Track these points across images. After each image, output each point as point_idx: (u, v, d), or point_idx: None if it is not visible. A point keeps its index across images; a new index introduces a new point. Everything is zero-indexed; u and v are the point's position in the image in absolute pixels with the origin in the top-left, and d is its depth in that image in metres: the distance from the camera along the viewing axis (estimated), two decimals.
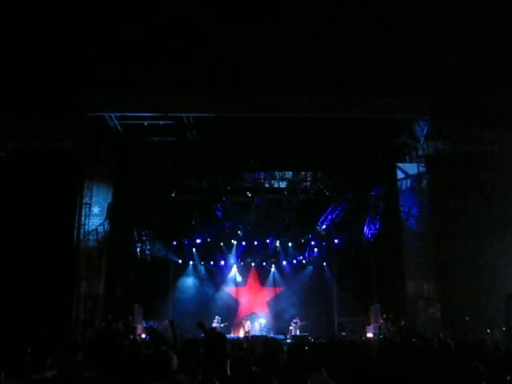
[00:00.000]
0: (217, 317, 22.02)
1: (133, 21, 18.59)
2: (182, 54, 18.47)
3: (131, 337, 17.74)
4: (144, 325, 21.43)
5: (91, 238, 19.71)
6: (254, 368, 3.80)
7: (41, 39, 17.72)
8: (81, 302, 18.85)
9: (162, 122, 19.14)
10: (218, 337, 4.40)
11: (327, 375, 3.86)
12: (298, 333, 21.22)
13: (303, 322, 21.94)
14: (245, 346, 6.67)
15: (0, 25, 17.11)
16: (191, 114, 18.95)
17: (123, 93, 19.03)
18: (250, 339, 17.32)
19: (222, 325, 21.50)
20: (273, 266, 25.27)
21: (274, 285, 25.37)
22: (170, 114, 18.89)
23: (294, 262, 25.08)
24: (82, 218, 19.75)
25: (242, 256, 25.14)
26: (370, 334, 20.51)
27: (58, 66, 18.06)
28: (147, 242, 23.46)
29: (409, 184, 20.25)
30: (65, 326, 17.01)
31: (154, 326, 21.31)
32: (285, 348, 4.20)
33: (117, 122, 19.31)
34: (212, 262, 25.15)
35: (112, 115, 19.04)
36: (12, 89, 18.01)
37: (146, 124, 19.20)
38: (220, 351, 3.97)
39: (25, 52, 17.78)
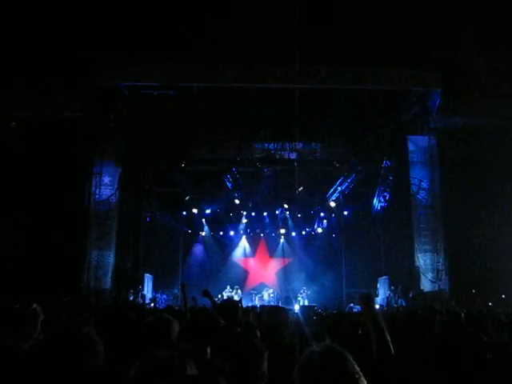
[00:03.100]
0: (228, 287, 22.23)
1: None
2: (193, 23, 18.30)
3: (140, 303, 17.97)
4: (154, 294, 21.66)
5: (102, 207, 19.83)
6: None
7: (51, 8, 17.58)
8: (91, 271, 19.06)
9: (171, 92, 19.09)
10: (230, 305, 4.45)
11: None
12: (305, 303, 21.40)
13: (310, 292, 22.12)
14: (251, 314, 6.68)
15: None
16: (201, 84, 18.88)
17: (133, 63, 18.95)
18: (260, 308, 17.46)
19: (232, 294, 21.69)
20: (282, 237, 25.36)
21: (283, 255, 25.52)
22: (180, 84, 18.84)
23: (303, 233, 25.16)
24: (93, 188, 19.84)
25: (251, 227, 25.23)
26: (377, 306, 20.61)
27: (68, 35, 17.95)
28: (157, 213, 23.56)
29: (420, 156, 20.15)
30: (74, 293, 17.21)
31: (163, 296, 21.58)
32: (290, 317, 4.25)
33: (127, 92, 19.29)
34: (221, 233, 25.28)
35: (122, 85, 19.02)
36: (22, 59, 17.95)
37: (156, 94, 19.17)
38: (231, 318, 4.02)
39: (35, 21, 17.67)
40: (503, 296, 15.21)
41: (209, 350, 3.30)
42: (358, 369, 1.90)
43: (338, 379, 1.85)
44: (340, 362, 1.89)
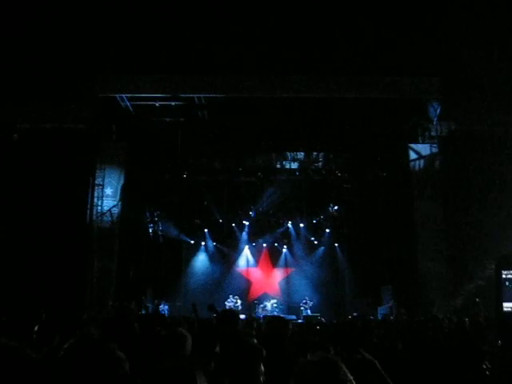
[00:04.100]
0: (230, 296, 22.19)
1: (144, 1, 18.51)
2: (193, 34, 18.39)
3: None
4: (156, 304, 21.62)
5: (105, 219, 19.87)
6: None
7: (52, 20, 17.69)
8: (94, 282, 19.06)
9: (173, 103, 19.18)
10: (230, 314, 4.47)
11: (335, 353, 3.89)
12: (309, 313, 21.36)
13: (312, 302, 22.09)
14: (254, 324, 6.69)
15: (11, 7, 17.11)
16: (202, 95, 18.96)
17: (134, 74, 19.03)
18: (262, 318, 17.46)
19: (235, 304, 21.67)
20: (284, 246, 25.33)
21: (286, 265, 25.47)
22: (181, 95, 18.93)
23: (306, 242, 25.11)
24: (95, 199, 19.90)
25: (253, 237, 25.20)
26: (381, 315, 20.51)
27: (69, 48, 18.05)
28: (159, 223, 23.55)
29: (421, 165, 20.15)
30: (78, 305, 17.21)
31: (166, 306, 21.54)
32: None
33: (128, 103, 19.39)
34: (224, 243, 25.26)
35: (124, 96, 19.10)
36: (23, 71, 18.05)
37: (157, 105, 19.24)
38: (231, 327, 4.03)
39: (36, 33, 17.77)
40: None
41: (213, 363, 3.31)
42: (350, 377, 1.91)
43: None
44: (332, 370, 1.91)
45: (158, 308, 20.82)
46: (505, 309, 2.80)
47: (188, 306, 22.24)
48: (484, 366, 3.62)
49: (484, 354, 3.74)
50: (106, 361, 2.24)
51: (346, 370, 1.93)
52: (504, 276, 2.85)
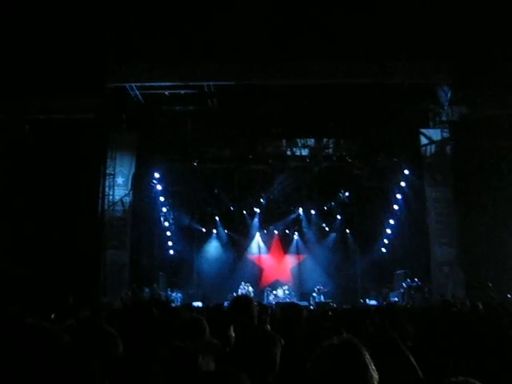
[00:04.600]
0: (242, 283, 22.25)
1: None
2: (202, 22, 18.34)
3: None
4: (169, 292, 21.73)
5: (117, 208, 19.96)
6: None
7: (60, 11, 17.69)
8: (107, 271, 19.19)
9: (182, 92, 19.18)
10: (244, 300, 4.48)
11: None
12: (322, 299, 21.39)
13: (326, 289, 22.10)
14: (269, 311, 6.73)
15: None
16: (212, 83, 18.92)
17: (144, 63, 19.04)
18: (275, 305, 17.52)
19: (247, 291, 21.73)
20: (296, 233, 25.35)
21: (297, 252, 25.49)
22: (190, 83, 18.91)
23: (317, 228, 25.09)
24: (107, 189, 19.97)
25: (264, 224, 25.21)
26: (396, 299, 20.51)
27: (78, 38, 18.07)
28: (171, 211, 23.63)
29: (433, 150, 20.05)
30: (91, 293, 17.34)
31: (179, 294, 21.66)
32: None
33: (138, 92, 19.40)
34: (235, 230, 25.29)
35: (133, 85, 19.12)
36: (33, 62, 18.10)
37: (166, 93, 19.25)
38: (245, 314, 4.05)
39: (45, 24, 17.79)
40: (509, 295, 15.11)
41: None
42: (369, 360, 1.93)
43: (348, 370, 1.89)
44: (353, 353, 1.93)
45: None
46: None
47: (200, 294, 22.42)
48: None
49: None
50: (99, 339, 2.29)
51: (367, 353, 1.95)
52: None
